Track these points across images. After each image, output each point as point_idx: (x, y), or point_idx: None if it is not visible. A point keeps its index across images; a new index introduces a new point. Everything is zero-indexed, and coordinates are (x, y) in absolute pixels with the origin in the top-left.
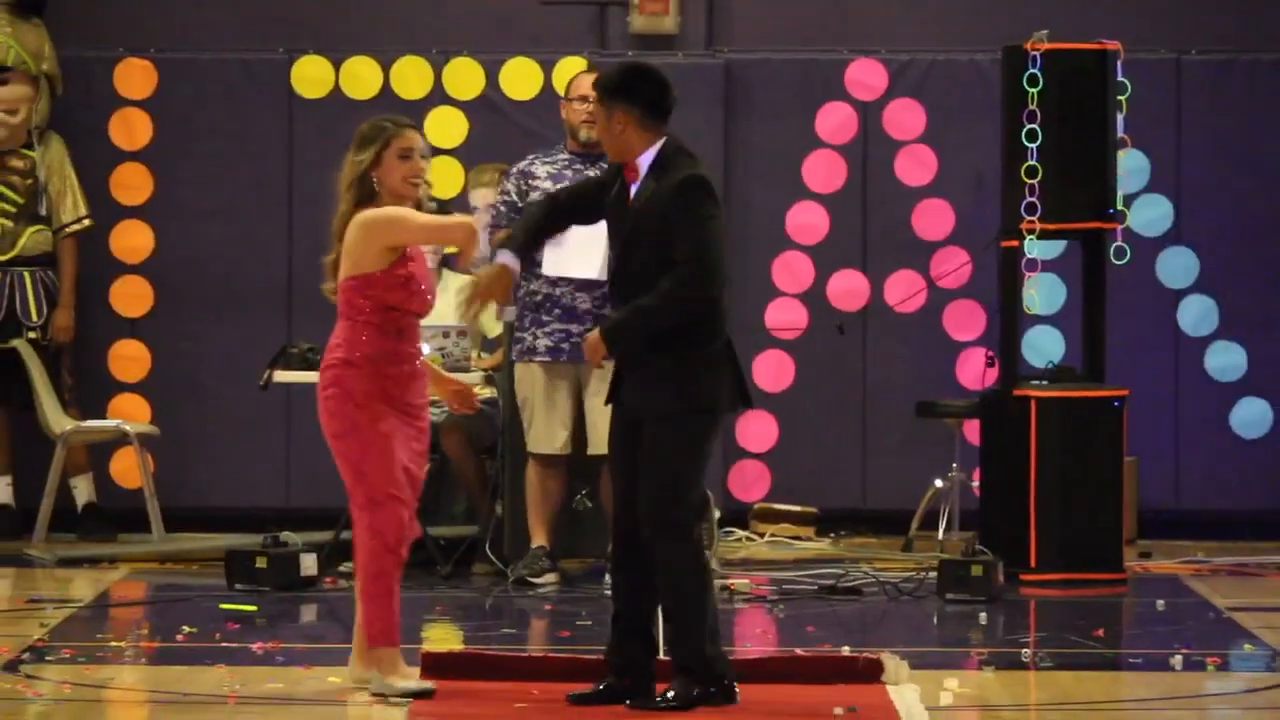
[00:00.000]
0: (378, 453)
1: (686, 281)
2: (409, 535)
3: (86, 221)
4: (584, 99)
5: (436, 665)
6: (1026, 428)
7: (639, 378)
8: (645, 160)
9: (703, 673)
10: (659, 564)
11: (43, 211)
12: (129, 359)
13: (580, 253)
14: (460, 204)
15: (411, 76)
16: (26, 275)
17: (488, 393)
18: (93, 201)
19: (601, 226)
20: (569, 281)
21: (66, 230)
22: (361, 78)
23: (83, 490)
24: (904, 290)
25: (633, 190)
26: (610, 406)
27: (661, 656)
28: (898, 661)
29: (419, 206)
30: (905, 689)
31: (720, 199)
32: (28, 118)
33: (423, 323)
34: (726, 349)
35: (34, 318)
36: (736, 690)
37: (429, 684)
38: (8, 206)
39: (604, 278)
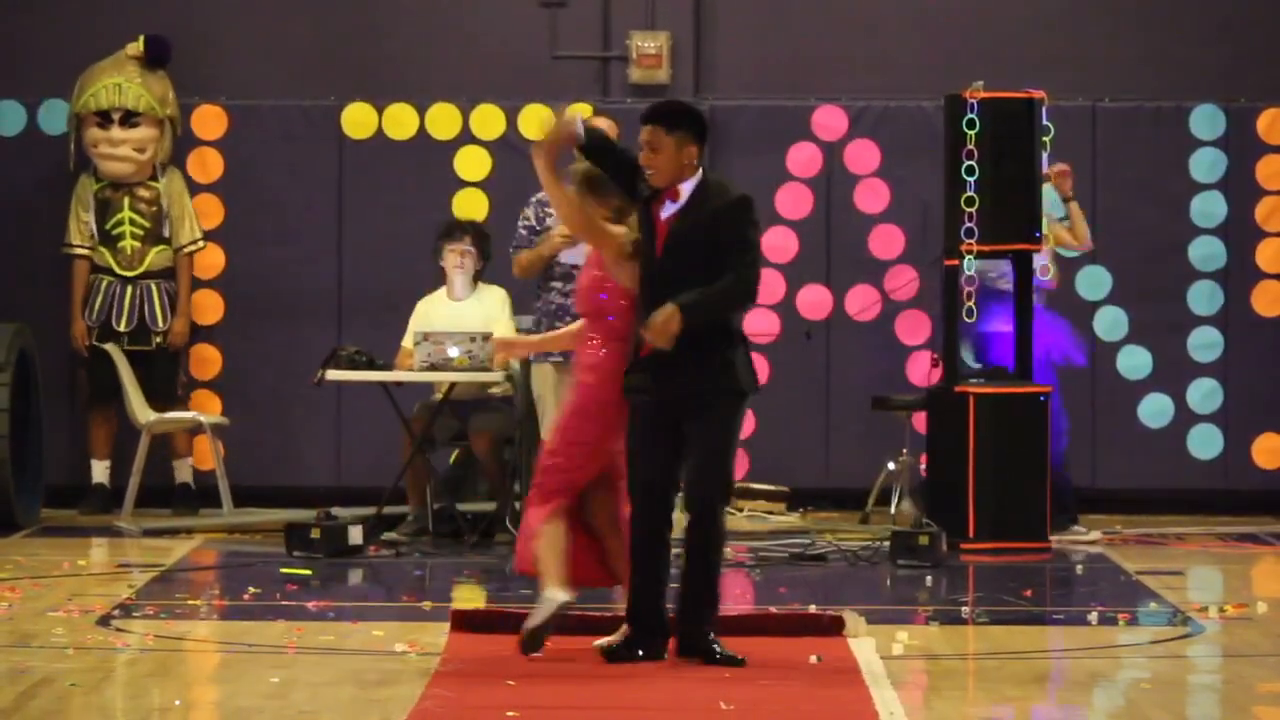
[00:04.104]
0: None
1: (747, 279)
2: None
3: (201, 243)
4: None
5: (464, 621)
6: (966, 419)
7: (679, 368)
8: (689, 185)
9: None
10: (701, 537)
11: (165, 234)
12: (204, 360)
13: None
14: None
15: (443, 120)
16: (154, 288)
17: (508, 390)
18: None
19: None
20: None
21: (184, 250)
22: (401, 121)
23: (183, 472)
24: (862, 302)
25: (665, 209)
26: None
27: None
28: (856, 617)
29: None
30: (863, 641)
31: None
32: (154, 155)
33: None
34: (744, 340)
35: (160, 325)
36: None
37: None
38: (138, 230)
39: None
